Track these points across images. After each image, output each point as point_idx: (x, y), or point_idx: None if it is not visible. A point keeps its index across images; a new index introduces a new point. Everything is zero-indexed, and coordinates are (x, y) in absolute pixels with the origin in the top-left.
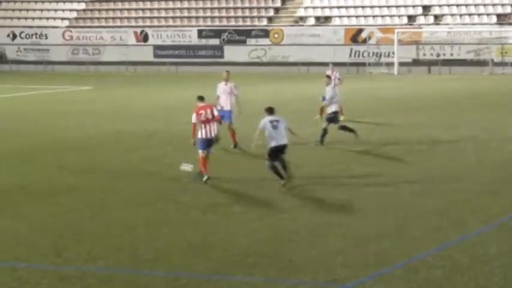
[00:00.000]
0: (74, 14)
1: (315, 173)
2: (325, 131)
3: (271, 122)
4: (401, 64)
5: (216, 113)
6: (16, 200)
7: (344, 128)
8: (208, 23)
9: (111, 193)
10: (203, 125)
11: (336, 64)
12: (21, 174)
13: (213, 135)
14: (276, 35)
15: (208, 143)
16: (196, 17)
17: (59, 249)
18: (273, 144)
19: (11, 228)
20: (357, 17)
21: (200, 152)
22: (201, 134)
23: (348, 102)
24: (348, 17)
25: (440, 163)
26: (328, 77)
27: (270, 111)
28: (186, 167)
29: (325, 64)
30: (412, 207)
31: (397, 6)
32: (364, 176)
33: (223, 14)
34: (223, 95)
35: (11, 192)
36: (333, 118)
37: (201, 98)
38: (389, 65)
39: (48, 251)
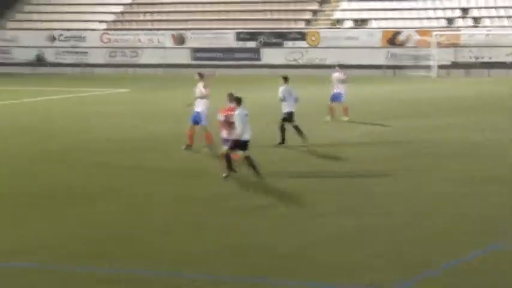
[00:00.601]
0: (112, 17)
1: (354, 174)
2: (282, 129)
3: (246, 115)
4: (439, 67)
5: None
6: (55, 203)
7: (297, 129)
8: (246, 25)
9: (149, 196)
10: (229, 127)
11: (372, 67)
12: (58, 176)
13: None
14: (313, 38)
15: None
16: (234, 20)
17: (97, 253)
18: (243, 137)
19: (49, 231)
20: (394, 19)
21: (225, 148)
22: (225, 133)
23: (385, 104)
24: (385, 19)
25: (481, 166)
26: (285, 78)
27: (240, 101)
28: None
29: (362, 67)
30: (454, 210)
31: (435, 9)
32: (404, 178)
33: (261, 16)
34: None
35: (49, 194)
36: (287, 118)
37: (230, 98)
38: (427, 67)
39: (86, 254)
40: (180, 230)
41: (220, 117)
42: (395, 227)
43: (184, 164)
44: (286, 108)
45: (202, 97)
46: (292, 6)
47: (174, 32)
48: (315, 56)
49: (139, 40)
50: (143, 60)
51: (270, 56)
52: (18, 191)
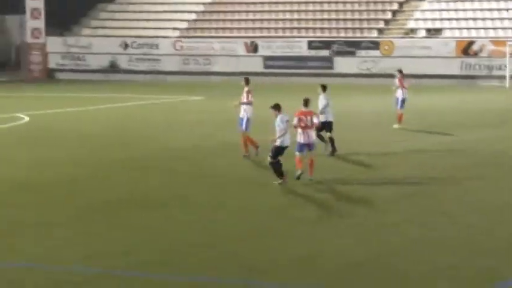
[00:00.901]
0: (185, 25)
1: (422, 182)
2: (331, 140)
3: (286, 122)
4: None
5: (315, 120)
6: (126, 210)
7: (320, 138)
8: (318, 34)
9: (218, 204)
10: (303, 131)
11: (445, 76)
12: (132, 183)
13: (311, 140)
14: (386, 47)
15: (306, 147)
16: (306, 28)
17: (169, 259)
18: (284, 143)
19: (121, 238)
20: (468, 29)
21: (298, 154)
22: (300, 138)
23: (457, 114)
24: (459, 29)
25: None
26: (323, 87)
27: (280, 108)
28: None
29: (435, 76)
30: None
31: (509, 19)
32: (473, 187)
33: (333, 25)
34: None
35: (122, 201)
36: (324, 127)
37: (306, 103)
38: (501, 78)
39: (158, 261)
40: (252, 238)
41: (295, 121)
42: (467, 238)
43: (254, 172)
44: (323, 117)
45: (246, 103)
46: (365, 15)
47: (246, 40)
48: (388, 65)
49: (212, 48)
50: (216, 68)
51: (342, 64)
52: (90, 197)
